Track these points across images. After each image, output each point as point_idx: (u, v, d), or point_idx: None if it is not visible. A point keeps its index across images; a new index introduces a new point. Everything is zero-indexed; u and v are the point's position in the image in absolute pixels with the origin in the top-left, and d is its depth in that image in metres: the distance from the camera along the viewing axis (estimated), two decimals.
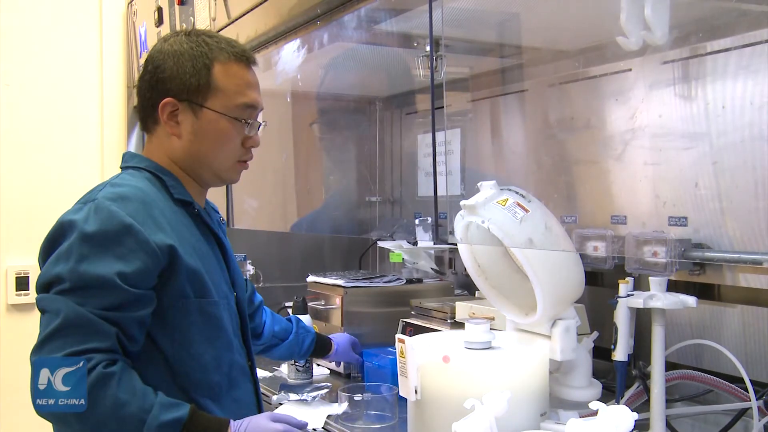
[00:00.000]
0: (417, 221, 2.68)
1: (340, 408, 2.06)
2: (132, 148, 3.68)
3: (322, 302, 2.65)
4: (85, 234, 1.43)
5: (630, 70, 2.05)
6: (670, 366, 1.88)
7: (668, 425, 1.80)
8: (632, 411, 1.41)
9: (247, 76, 1.65)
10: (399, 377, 1.76)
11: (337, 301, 2.59)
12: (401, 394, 1.77)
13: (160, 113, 1.62)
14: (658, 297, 1.76)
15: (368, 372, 2.32)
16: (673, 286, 1.87)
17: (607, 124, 2.14)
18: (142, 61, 2.43)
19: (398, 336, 1.75)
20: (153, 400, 1.41)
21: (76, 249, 1.42)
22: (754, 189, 1.79)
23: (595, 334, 1.95)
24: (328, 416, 2.04)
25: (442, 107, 2.42)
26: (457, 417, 1.47)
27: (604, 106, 2.14)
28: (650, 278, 1.80)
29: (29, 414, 1.38)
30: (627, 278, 1.88)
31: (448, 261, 2.88)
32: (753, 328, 1.89)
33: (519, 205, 1.74)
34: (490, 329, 1.78)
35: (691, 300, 1.75)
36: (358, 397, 2.05)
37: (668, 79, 1.95)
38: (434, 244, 2.66)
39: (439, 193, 2.67)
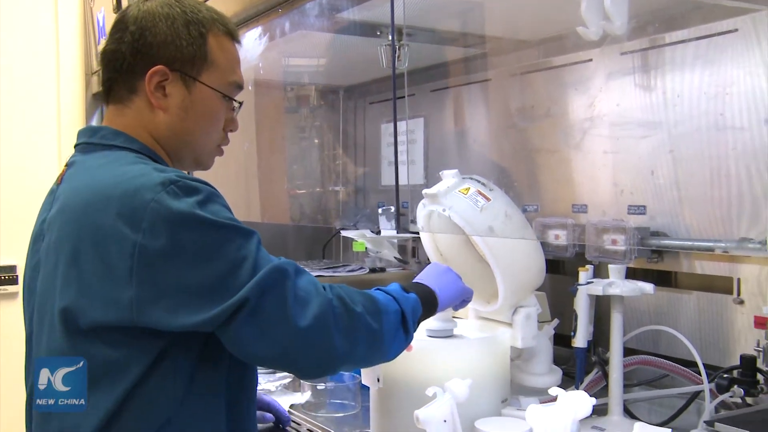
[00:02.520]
0: (380, 210, 2.72)
1: (302, 397, 2.07)
2: None
3: None
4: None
5: (590, 60, 2.09)
6: (628, 352, 1.92)
7: (626, 409, 1.83)
8: (591, 396, 1.45)
9: (237, 53, 1.55)
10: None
11: None
12: (364, 382, 1.79)
13: (147, 82, 1.44)
14: (617, 284, 1.79)
15: None
16: (631, 274, 1.91)
17: (566, 113, 2.17)
18: (100, 47, 2.40)
19: None
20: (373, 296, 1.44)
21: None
22: (709, 178, 1.84)
23: (556, 321, 1.98)
24: (291, 405, 2.05)
25: (405, 96, 2.45)
26: (419, 404, 1.49)
27: (564, 95, 2.17)
28: (609, 266, 1.83)
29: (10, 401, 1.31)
30: (587, 266, 1.91)
31: (411, 250, 2.90)
32: (707, 313, 1.93)
33: (480, 193, 1.76)
34: (452, 317, 1.81)
35: (648, 287, 1.78)
36: (320, 386, 2.06)
37: (627, 68, 1.99)
38: (397, 233, 2.68)
39: (401, 183, 2.66)
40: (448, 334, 1.78)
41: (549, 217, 2.07)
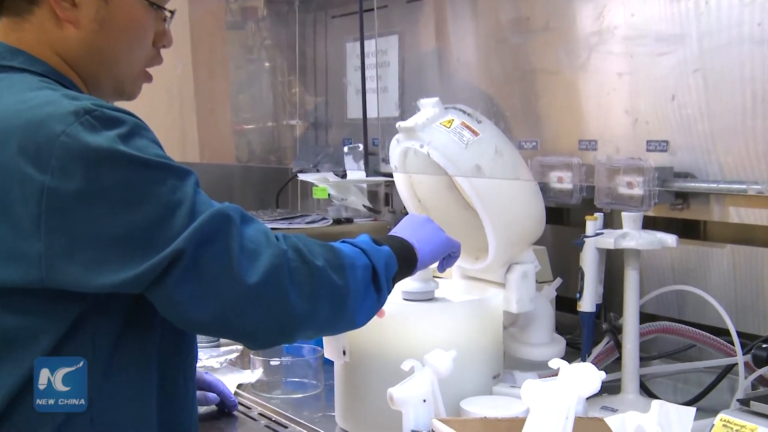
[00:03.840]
0: (346, 149, 2.72)
1: (253, 375, 2.08)
2: None
3: None
4: None
5: None
6: (645, 318, 1.93)
7: (642, 386, 1.86)
8: (600, 370, 1.44)
9: None
10: (324, 337, 1.78)
11: None
12: (327, 356, 1.80)
13: None
14: (631, 236, 1.79)
15: None
16: (650, 223, 1.92)
17: (570, 26, 2.16)
18: None
19: None
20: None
21: None
22: (745, 104, 1.83)
23: (558, 281, 1.99)
24: (239, 386, 2.05)
25: (374, 9, 2.41)
26: (393, 381, 1.49)
27: (567, 4, 2.16)
28: (623, 214, 1.83)
29: None
30: (596, 214, 1.90)
31: (383, 196, 2.91)
32: (744, 271, 1.95)
33: (466, 126, 1.76)
34: (433, 277, 1.81)
35: (670, 239, 1.78)
36: (274, 362, 2.06)
37: None
38: (366, 175, 2.67)
39: (371, 115, 2.73)
40: (427, 297, 1.79)
41: (550, 155, 2.07)
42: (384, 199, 2.93)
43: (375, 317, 1.49)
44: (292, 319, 1.33)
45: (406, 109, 2.67)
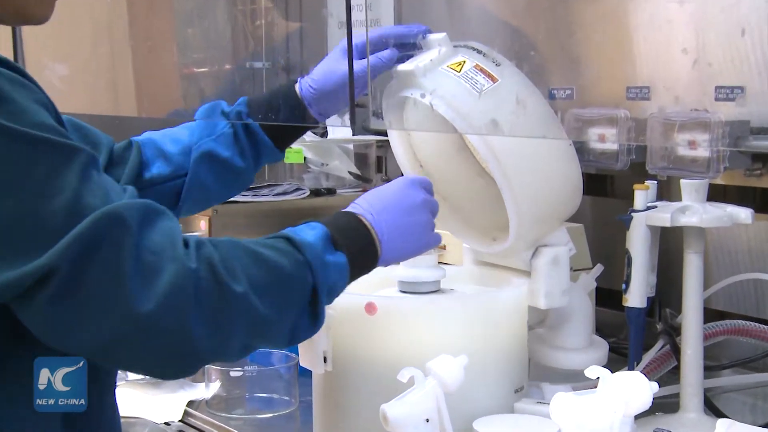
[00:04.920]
0: None
1: (207, 390, 2.10)
2: None
3: (179, 225, 2.57)
4: None
5: None
6: (712, 315, 1.99)
7: (707, 402, 1.87)
8: (652, 381, 1.45)
9: None
10: None
11: (202, 225, 2.59)
12: (303, 364, 1.81)
13: None
14: (693, 209, 1.81)
15: None
16: (719, 194, 1.95)
17: None
18: None
19: None
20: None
21: None
22: None
23: (599, 268, 2.00)
24: (189, 403, 2.08)
25: None
26: (388, 396, 1.51)
27: None
28: (683, 182, 1.86)
29: None
30: (647, 182, 1.92)
31: (375, 161, 2.94)
32: None
33: (481, 70, 1.75)
34: (439, 263, 1.84)
35: (744, 213, 1.81)
36: (235, 373, 2.08)
37: None
38: (353, 134, 2.66)
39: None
40: (431, 288, 1.82)
41: (589, 107, 2.01)
42: (375, 165, 2.96)
43: (365, 313, 1.55)
44: (195, 354, 1.35)
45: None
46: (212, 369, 2.08)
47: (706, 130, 1.85)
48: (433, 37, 1.84)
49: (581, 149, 1.96)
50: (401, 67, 1.82)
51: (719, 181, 1.99)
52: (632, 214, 1.90)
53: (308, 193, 2.77)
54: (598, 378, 1.45)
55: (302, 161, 2.81)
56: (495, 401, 1.73)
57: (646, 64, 2.10)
